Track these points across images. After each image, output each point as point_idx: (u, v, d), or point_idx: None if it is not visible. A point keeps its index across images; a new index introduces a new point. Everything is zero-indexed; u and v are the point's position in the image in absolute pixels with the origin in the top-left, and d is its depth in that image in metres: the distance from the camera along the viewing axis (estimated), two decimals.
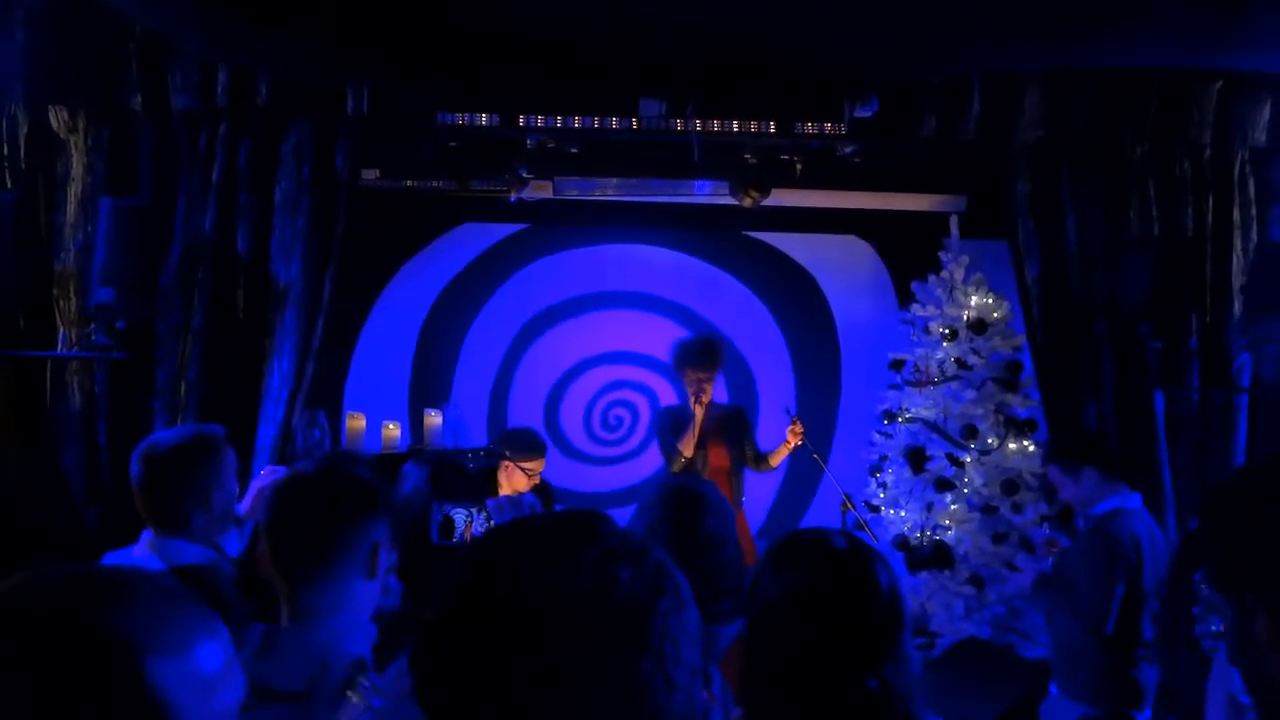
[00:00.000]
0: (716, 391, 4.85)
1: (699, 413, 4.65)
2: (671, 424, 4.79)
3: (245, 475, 2.88)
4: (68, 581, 0.87)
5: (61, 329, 4.39)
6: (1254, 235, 4.64)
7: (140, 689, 0.83)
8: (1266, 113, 4.56)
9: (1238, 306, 4.61)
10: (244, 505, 2.65)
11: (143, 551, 2.29)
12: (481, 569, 0.83)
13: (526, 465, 4.10)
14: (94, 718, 0.82)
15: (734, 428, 4.83)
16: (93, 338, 4.29)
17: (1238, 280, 4.62)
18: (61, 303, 4.39)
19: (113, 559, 2.32)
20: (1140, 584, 3.50)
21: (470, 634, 0.79)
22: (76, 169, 4.43)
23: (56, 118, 4.43)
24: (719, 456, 4.76)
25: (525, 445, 4.15)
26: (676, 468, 4.72)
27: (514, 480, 4.13)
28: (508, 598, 0.79)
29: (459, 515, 2.00)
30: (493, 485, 4.13)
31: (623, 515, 5.44)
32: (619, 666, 0.78)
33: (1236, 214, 4.64)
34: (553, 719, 0.76)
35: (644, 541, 0.86)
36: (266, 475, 2.72)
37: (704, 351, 4.75)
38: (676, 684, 0.80)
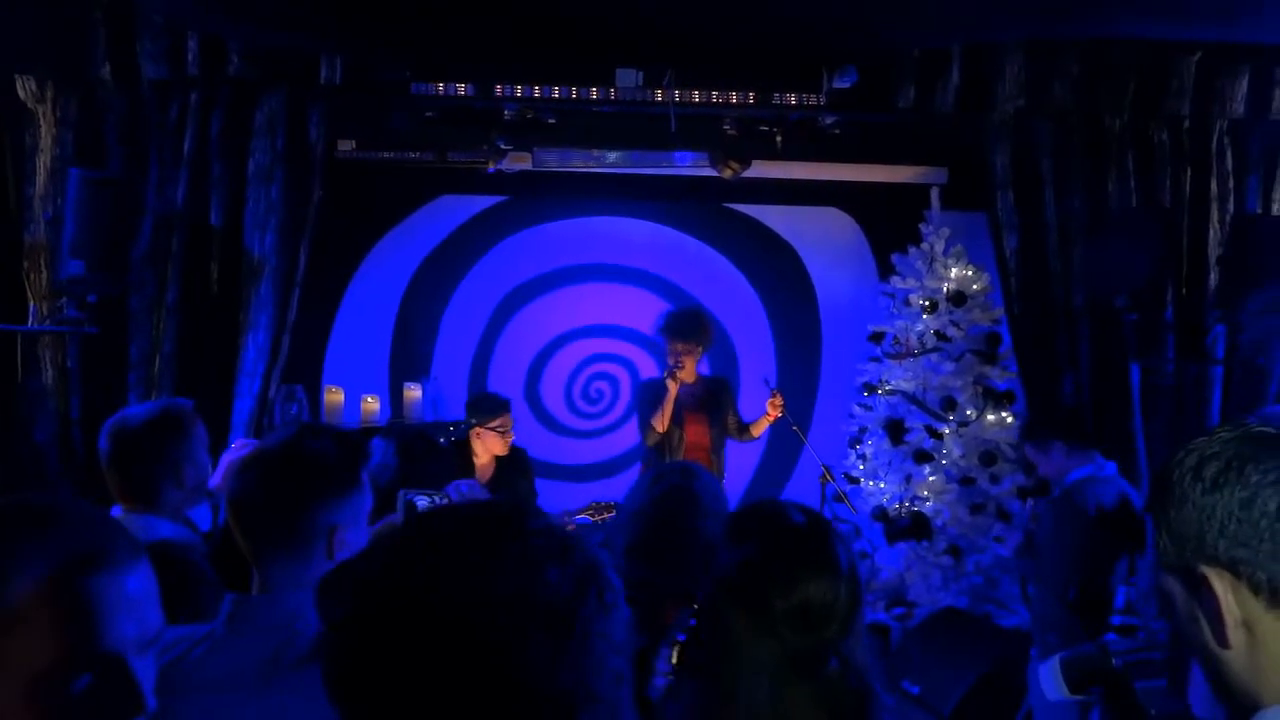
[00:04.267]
0: (698, 364, 4.84)
1: (673, 388, 4.62)
2: (649, 398, 4.77)
3: (221, 449, 2.86)
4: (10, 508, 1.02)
5: (32, 303, 4.33)
6: (1231, 207, 4.66)
7: (76, 603, 0.96)
8: (1244, 84, 4.56)
9: (1214, 278, 4.63)
10: (215, 479, 2.63)
11: None
12: (397, 566, 0.78)
13: (494, 424, 4.10)
14: (33, 633, 0.94)
15: (716, 401, 4.81)
16: (64, 311, 4.24)
17: (1214, 252, 4.64)
18: (32, 276, 4.33)
19: None
20: (1105, 549, 3.56)
21: (384, 634, 0.75)
22: (45, 140, 4.35)
23: (24, 88, 4.35)
24: (698, 434, 4.73)
25: (486, 406, 4.16)
26: (651, 442, 4.70)
27: (489, 445, 4.13)
28: (425, 598, 0.75)
29: (421, 501, 1.97)
30: (467, 457, 4.12)
31: (604, 487, 5.41)
32: (538, 673, 0.74)
33: (1214, 186, 4.65)
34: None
35: (571, 538, 0.81)
36: (238, 448, 2.69)
37: (687, 323, 4.73)
38: (597, 693, 0.76)
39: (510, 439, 4.17)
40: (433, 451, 2.77)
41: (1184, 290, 4.67)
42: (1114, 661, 2.04)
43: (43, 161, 4.34)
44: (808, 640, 1.38)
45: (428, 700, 0.73)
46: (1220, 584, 0.94)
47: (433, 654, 0.73)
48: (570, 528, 3.78)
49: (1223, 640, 0.94)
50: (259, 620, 1.53)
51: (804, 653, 1.38)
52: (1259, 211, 4.65)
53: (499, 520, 0.80)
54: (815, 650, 1.38)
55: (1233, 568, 0.94)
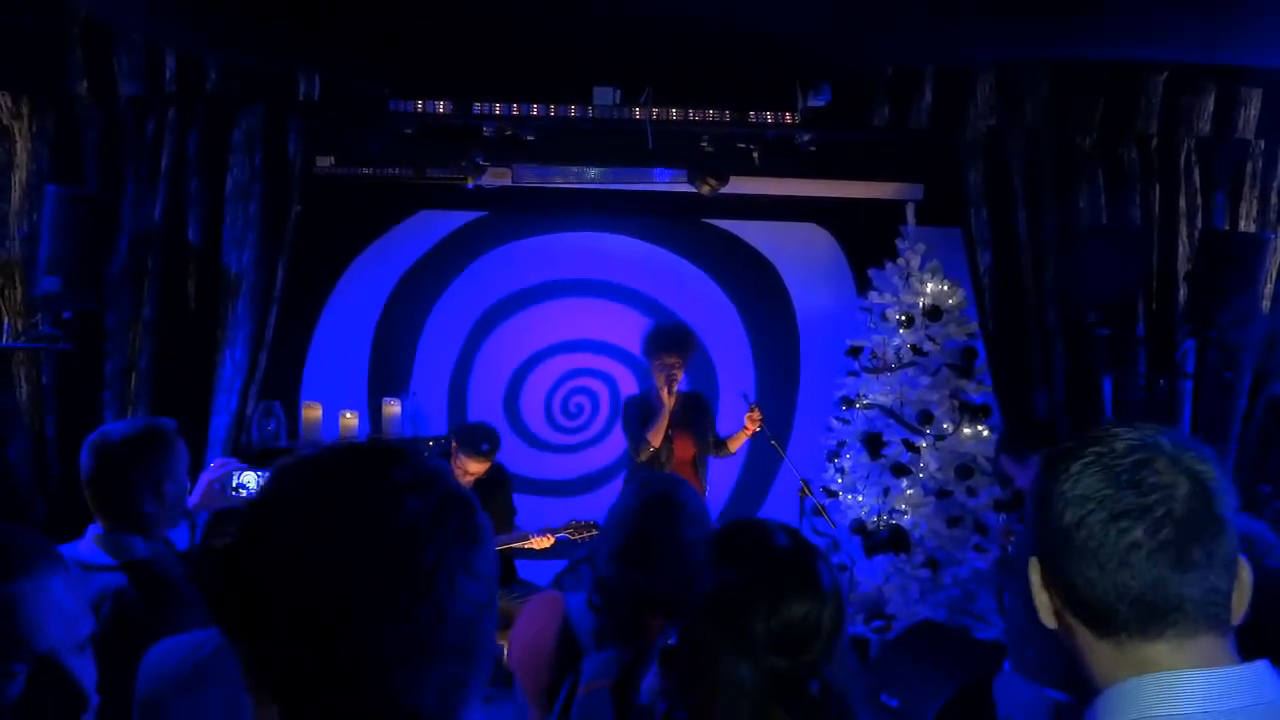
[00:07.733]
0: None
1: (669, 402, 4.63)
2: (639, 413, 4.77)
3: (198, 467, 2.85)
4: None
5: (6, 319, 4.30)
6: (1199, 223, 4.74)
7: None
8: (1210, 104, 4.65)
9: (1183, 294, 4.70)
10: (194, 498, 2.62)
11: (89, 547, 2.26)
12: (271, 497, 0.85)
13: (467, 464, 4.08)
14: None
15: (697, 416, 4.84)
16: (39, 328, 4.22)
17: (1183, 268, 4.71)
18: (6, 292, 4.30)
19: None
20: None
21: (255, 558, 0.81)
22: (21, 156, 4.33)
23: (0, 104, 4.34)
24: (684, 447, 4.76)
25: (470, 444, 4.14)
26: (644, 457, 4.70)
27: (460, 473, 4.12)
28: (290, 524, 0.81)
29: None
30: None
31: (584, 502, 5.40)
32: (386, 593, 0.79)
33: (1182, 203, 4.73)
34: (328, 640, 0.78)
35: (437, 471, 0.86)
36: (216, 468, 2.69)
37: (676, 336, 4.75)
38: (448, 615, 0.81)
39: (476, 476, 4.16)
40: None
41: (1154, 305, 4.73)
42: None
43: (18, 177, 4.32)
44: (789, 663, 1.37)
45: (292, 615, 0.79)
46: (1034, 572, 1.03)
47: (295, 571, 0.79)
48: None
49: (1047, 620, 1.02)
50: None
51: (785, 676, 1.36)
52: (1226, 227, 4.73)
53: (366, 459, 0.86)
54: (796, 673, 1.37)
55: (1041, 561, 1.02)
